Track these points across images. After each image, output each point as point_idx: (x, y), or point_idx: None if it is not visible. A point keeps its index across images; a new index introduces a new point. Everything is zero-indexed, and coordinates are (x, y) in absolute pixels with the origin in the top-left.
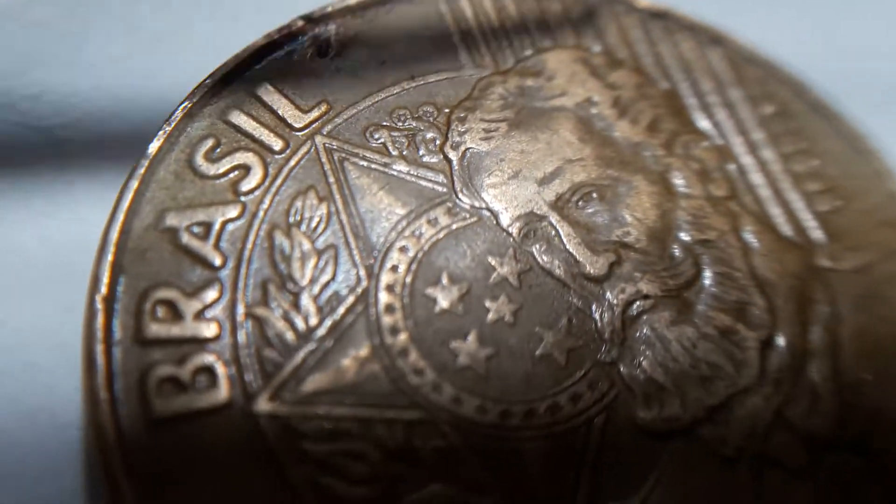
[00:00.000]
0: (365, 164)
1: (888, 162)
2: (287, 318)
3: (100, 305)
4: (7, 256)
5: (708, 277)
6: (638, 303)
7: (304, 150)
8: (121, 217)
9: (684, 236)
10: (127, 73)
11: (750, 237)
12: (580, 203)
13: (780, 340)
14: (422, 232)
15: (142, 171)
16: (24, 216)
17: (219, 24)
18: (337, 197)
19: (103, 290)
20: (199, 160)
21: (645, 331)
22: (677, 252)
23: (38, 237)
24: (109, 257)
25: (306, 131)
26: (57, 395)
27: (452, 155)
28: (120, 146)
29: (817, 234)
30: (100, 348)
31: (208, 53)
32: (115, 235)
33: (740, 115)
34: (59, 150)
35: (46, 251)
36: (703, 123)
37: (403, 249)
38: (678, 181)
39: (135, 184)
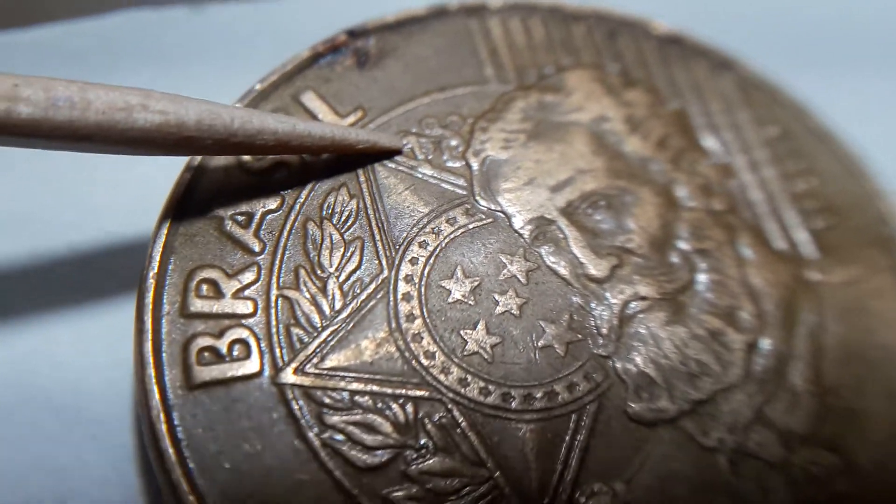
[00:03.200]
0: (393, 165)
1: (881, 183)
2: (314, 301)
3: (151, 281)
4: None
5: (702, 283)
6: (635, 303)
7: None
8: (175, 204)
9: (683, 245)
10: None
11: (745, 249)
12: (588, 210)
13: (766, 344)
14: (441, 229)
15: (196, 163)
16: None
17: (236, 55)
18: (366, 194)
19: (155, 267)
20: (246, 157)
21: (640, 329)
22: (675, 259)
23: None
24: (162, 239)
25: None
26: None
27: (473, 161)
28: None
29: (810, 248)
30: (149, 319)
31: (226, 81)
32: (168, 221)
33: (745, 135)
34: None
35: None
36: (710, 142)
37: (423, 244)
38: (682, 194)
39: (188, 176)
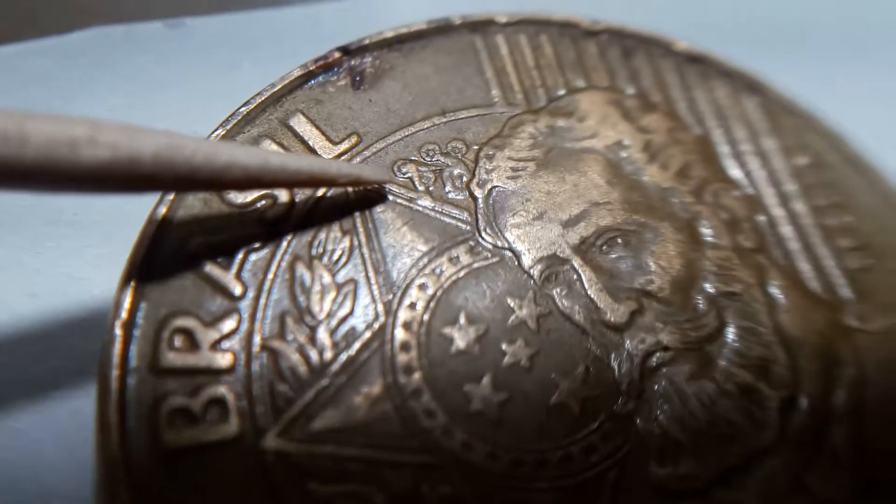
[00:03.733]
0: (391, 198)
1: None
2: (302, 352)
3: (118, 331)
4: None
5: (731, 332)
6: (658, 354)
7: None
8: (147, 241)
9: (709, 287)
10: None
11: (776, 292)
12: (604, 248)
13: (803, 401)
14: (442, 270)
15: (171, 196)
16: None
17: (217, 74)
18: (360, 230)
19: (123, 315)
20: None
21: (663, 384)
22: (701, 304)
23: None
24: (133, 282)
25: None
26: None
27: (478, 192)
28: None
29: (846, 291)
30: (115, 374)
31: (207, 103)
32: (139, 259)
33: (773, 165)
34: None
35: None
36: (735, 172)
37: (423, 287)
38: (706, 230)
39: (163, 210)
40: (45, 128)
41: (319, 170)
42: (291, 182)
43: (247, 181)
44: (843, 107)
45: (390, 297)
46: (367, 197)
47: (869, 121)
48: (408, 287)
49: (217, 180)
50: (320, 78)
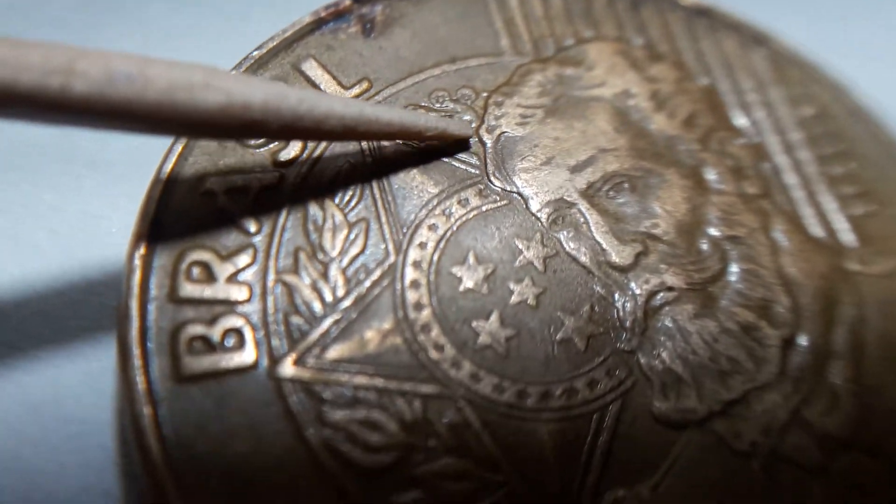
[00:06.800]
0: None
1: None
2: (315, 288)
3: (138, 262)
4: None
5: (734, 273)
6: (661, 294)
7: None
8: (164, 179)
9: (713, 231)
10: None
11: (780, 236)
12: (611, 192)
13: (803, 340)
14: (452, 211)
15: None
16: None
17: (230, 23)
18: (372, 172)
19: (142, 248)
20: None
21: (666, 322)
22: (705, 246)
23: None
24: (151, 217)
25: None
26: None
27: (487, 138)
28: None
29: (849, 237)
30: (135, 304)
31: (219, 49)
32: (157, 195)
33: (779, 114)
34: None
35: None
36: (741, 121)
37: (433, 227)
38: (711, 176)
39: (179, 147)
40: (166, 72)
41: (410, 122)
42: (382, 133)
43: (343, 130)
44: (848, 59)
45: (400, 236)
46: (446, 151)
47: (873, 72)
48: (418, 227)
49: (317, 129)
50: (331, 25)
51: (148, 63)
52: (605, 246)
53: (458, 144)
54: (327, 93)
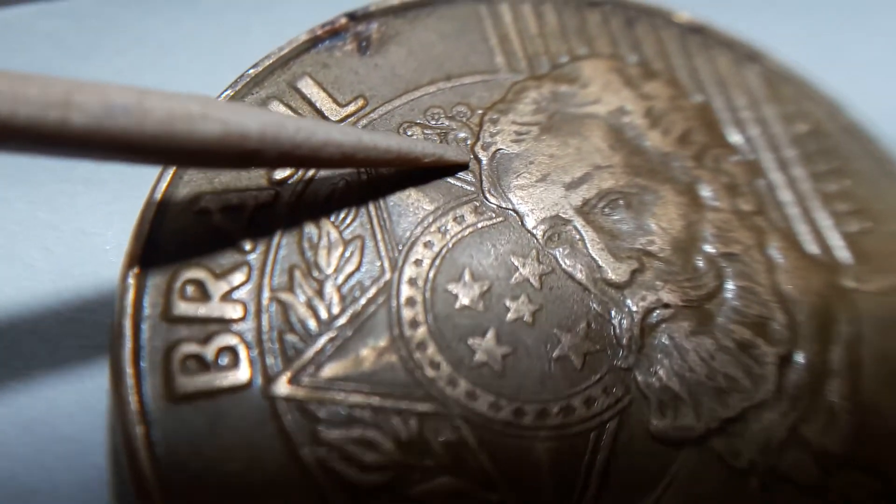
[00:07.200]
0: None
1: None
2: (310, 305)
3: (132, 281)
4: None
5: (730, 290)
6: (658, 311)
7: None
8: (158, 196)
9: (709, 248)
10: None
11: (775, 253)
12: (606, 209)
13: (800, 357)
14: (447, 228)
15: None
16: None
17: (226, 40)
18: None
19: (136, 267)
20: None
21: (663, 339)
22: (701, 263)
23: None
24: (145, 235)
25: (342, 125)
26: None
27: (483, 155)
28: None
29: (844, 254)
30: (128, 323)
31: (215, 66)
32: (151, 213)
33: (773, 131)
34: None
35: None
36: (735, 138)
37: (428, 244)
38: (706, 193)
39: (173, 167)
40: (163, 103)
41: (407, 149)
42: (380, 161)
43: (341, 158)
44: (841, 75)
45: (396, 253)
46: (443, 175)
47: (866, 89)
48: (413, 244)
49: (315, 157)
50: (327, 42)
51: (145, 94)
52: (600, 263)
53: (454, 169)
54: (325, 121)
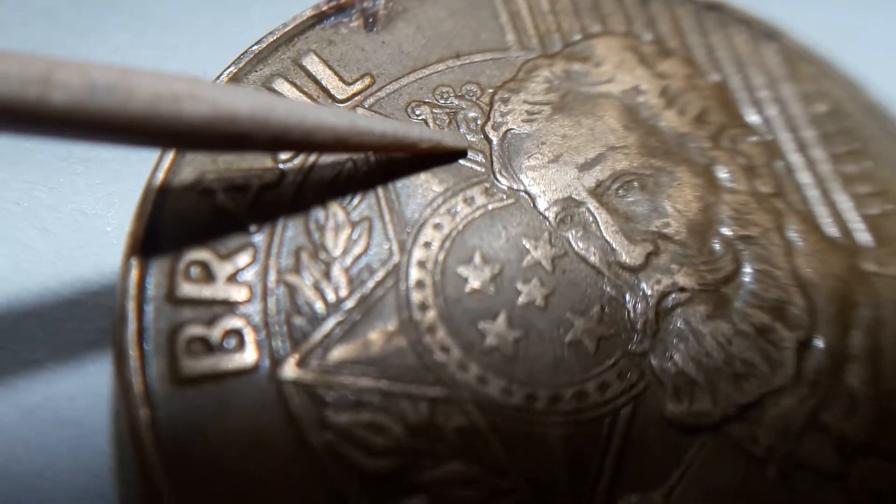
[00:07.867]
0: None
1: None
2: (318, 288)
3: (134, 262)
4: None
5: (748, 274)
6: (673, 295)
7: None
8: (160, 176)
9: (726, 231)
10: (133, 63)
11: (794, 236)
12: (620, 191)
13: (819, 342)
14: (457, 210)
15: None
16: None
17: (229, 16)
18: (375, 170)
19: (139, 247)
20: None
21: (679, 324)
22: (717, 246)
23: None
24: (147, 215)
25: (349, 103)
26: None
27: (493, 135)
28: None
29: (864, 237)
30: (132, 304)
31: (216, 44)
32: (153, 193)
33: (791, 111)
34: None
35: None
36: (753, 118)
37: (437, 226)
38: (723, 175)
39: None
40: (149, 83)
41: (403, 134)
42: (375, 145)
43: (335, 142)
44: (861, 54)
45: (405, 235)
46: (442, 161)
47: (887, 68)
48: (422, 226)
49: (307, 141)
50: (333, 19)
51: (129, 73)
52: (614, 246)
53: (453, 155)
54: (318, 104)
